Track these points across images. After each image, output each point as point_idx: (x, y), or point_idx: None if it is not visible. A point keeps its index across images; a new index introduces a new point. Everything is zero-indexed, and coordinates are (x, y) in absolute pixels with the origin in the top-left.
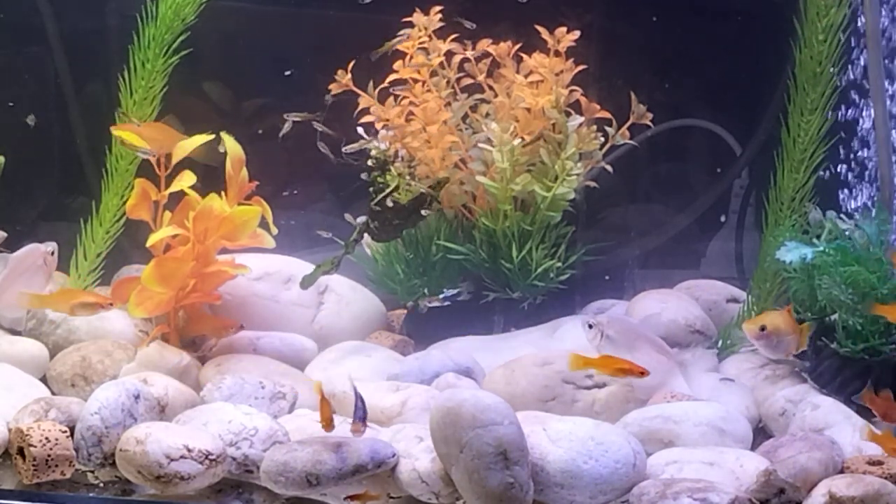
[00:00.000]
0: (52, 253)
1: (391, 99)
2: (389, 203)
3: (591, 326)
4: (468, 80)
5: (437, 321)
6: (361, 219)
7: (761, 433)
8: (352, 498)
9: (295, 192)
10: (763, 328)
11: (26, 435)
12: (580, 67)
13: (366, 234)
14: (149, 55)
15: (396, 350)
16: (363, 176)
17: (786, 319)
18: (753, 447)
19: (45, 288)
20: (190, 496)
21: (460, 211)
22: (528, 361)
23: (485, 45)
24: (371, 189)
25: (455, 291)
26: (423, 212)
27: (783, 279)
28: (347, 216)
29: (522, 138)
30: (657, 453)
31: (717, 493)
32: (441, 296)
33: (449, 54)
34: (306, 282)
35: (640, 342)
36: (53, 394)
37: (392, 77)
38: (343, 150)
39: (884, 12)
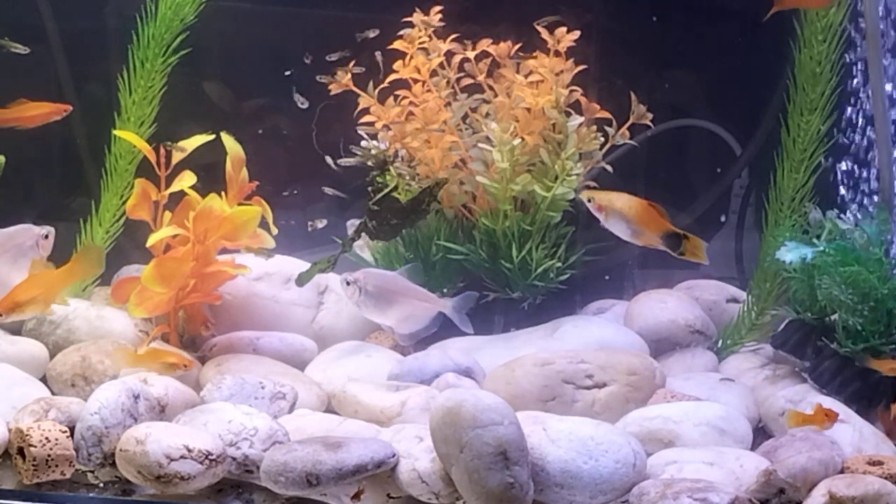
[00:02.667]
0: (47, 237)
1: (391, 99)
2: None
3: (348, 283)
4: (468, 80)
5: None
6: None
7: (761, 433)
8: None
9: (295, 192)
10: (590, 200)
11: (26, 435)
12: (580, 67)
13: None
14: (148, 55)
15: (396, 350)
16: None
17: (632, 205)
18: (753, 447)
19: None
20: (190, 496)
21: (460, 211)
22: (528, 361)
23: (486, 44)
24: (370, 189)
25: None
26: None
27: (783, 279)
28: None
29: (522, 138)
30: (657, 453)
31: (717, 493)
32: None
33: (449, 54)
34: (302, 279)
35: (399, 296)
36: (53, 394)
37: (392, 77)
38: (338, 163)
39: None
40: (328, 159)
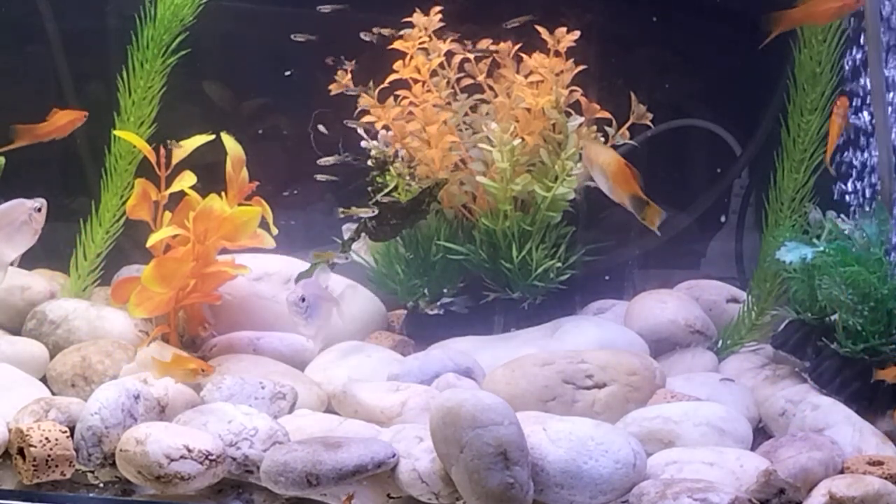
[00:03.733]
0: (40, 210)
1: (391, 99)
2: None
3: (303, 300)
4: (468, 80)
5: (437, 321)
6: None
7: (761, 433)
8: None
9: (295, 192)
10: (583, 147)
11: (26, 435)
12: (580, 67)
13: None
14: (147, 55)
15: (396, 350)
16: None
17: (611, 162)
18: (753, 447)
19: (28, 245)
20: (190, 496)
21: (460, 211)
22: (528, 361)
23: (485, 44)
24: (370, 189)
25: (450, 300)
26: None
27: (783, 279)
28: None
29: (522, 138)
30: (657, 453)
31: (717, 493)
32: (439, 302)
33: (449, 54)
34: (301, 279)
35: (322, 300)
36: (53, 394)
37: (392, 77)
38: (318, 162)
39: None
40: (317, 130)
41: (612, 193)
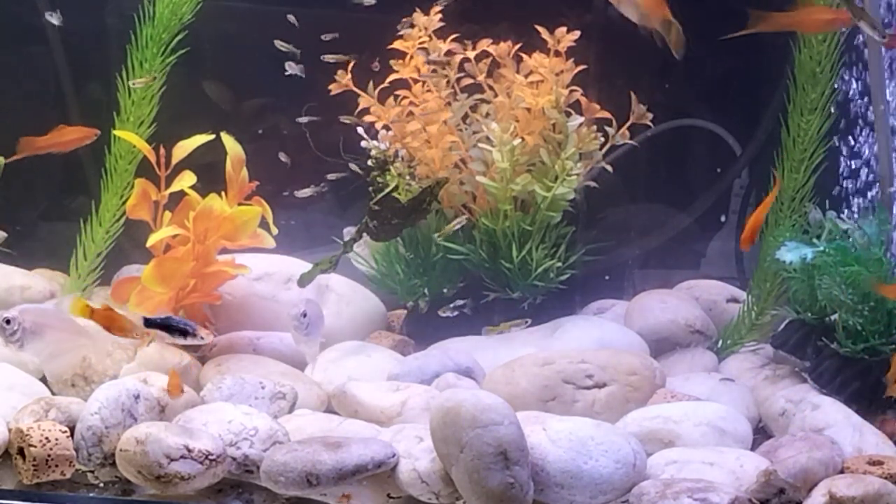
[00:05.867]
0: None
1: (391, 99)
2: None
3: (8, 322)
4: (468, 80)
5: (437, 321)
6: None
7: (761, 433)
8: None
9: (295, 192)
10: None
11: (26, 435)
12: (580, 67)
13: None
14: (147, 55)
15: (396, 350)
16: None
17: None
18: (753, 447)
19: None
20: (190, 496)
21: (460, 211)
22: (528, 361)
23: (486, 44)
24: (371, 188)
25: (462, 302)
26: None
27: (783, 279)
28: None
29: (522, 138)
30: (657, 453)
31: (717, 493)
32: (452, 305)
33: (449, 54)
34: (303, 280)
35: (56, 331)
36: (53, 394)
37: (392, 77)
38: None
39: None
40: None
41: (643, 20)
